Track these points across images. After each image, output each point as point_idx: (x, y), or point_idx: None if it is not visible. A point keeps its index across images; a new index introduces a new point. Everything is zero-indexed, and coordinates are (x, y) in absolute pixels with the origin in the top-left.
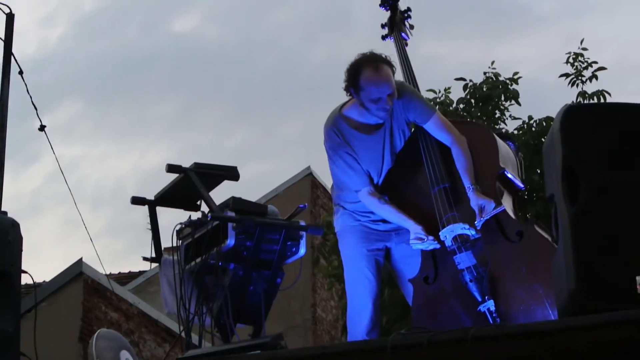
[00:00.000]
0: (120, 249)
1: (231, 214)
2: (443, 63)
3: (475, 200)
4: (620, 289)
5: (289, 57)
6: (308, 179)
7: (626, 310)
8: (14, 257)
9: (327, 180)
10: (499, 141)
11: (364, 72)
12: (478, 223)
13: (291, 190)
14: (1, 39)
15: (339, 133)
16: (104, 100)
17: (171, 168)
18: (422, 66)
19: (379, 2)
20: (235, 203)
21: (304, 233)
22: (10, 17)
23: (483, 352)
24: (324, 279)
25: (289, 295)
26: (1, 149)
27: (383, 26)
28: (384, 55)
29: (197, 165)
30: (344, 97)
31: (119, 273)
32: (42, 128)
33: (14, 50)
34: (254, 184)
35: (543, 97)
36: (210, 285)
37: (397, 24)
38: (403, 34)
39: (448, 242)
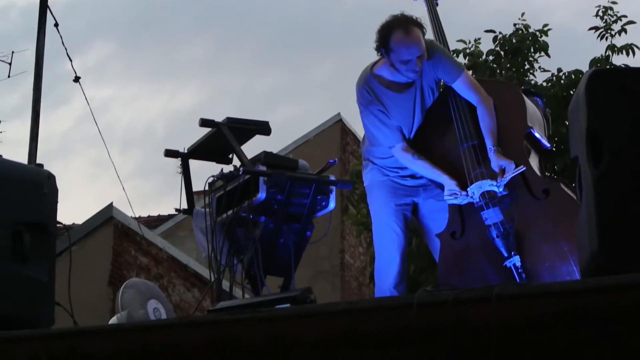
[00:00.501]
0: (150, 191)
1: (262, 168)
2: (474, 9)
3: (495, 161)
4: None
5: (320, 0)
6: (338, 125)
7: None
8: (49, 209)
9: (356, 127)
10: (527, 100)
11: (394, 33)
12: (500, 183)
13: (321, 137)
14: None
15: (371, 91)
16: (135, 42)
17: (204, 122)
18: (453, 13)
19: None
20: (266, 157)
21: (333, 187)
22: None
23: (507, 310)
24: (353, 226)
25: (326, 235)
26: (37, 99)
27: None
28: (414, 17)
29: (229, 119)
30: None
31: (149, 216)
32: (77, 79)
33: None
34: (284, 128)
35: (573, 47)
36: (242, 238)
37: None
38: None
39: (476, 198)
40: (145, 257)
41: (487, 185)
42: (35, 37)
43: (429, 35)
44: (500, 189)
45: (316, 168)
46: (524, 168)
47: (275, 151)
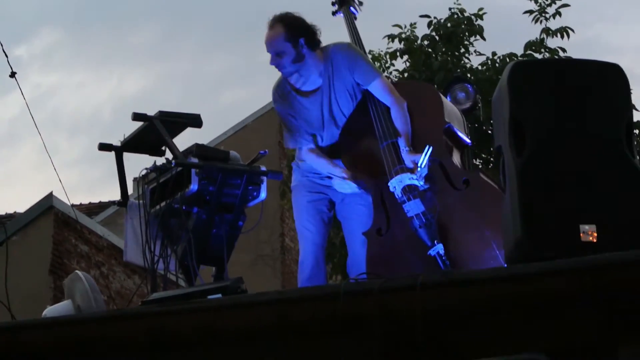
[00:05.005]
0: (97, 177)
1: (194, 160)
2: None
3: (408, 158)
4: (565, 238)
5: None
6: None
7: (568, 259)
8: None
9: None
10: (444, 99)
11: None
12: (419, 175)
13: (259, 122)
14: None
15: (282, 94)
16: (82, 28)
17: (136, 116)
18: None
19: None
20: (198, 149)
21: (264, 178)
22: None
23: (431, 297)
24: (292, 209)
25: (258, 225)
26: None
27: (333, 3)
28: (287, 13)
29: (161, 113)
30: (326, 23)
31: (90, 203)
32: (12, 75)
33: None
34: (231, 111)
35: (509, 31)
36: (175, 229)
37: (346, 0)
38: (352, 9)
39: (398, 193)
40: (85, 245)
41: (407, 178)
42: None
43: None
44: (421, 182)
45: (253, 153)
46: (431, 147)
47: (215, 136)
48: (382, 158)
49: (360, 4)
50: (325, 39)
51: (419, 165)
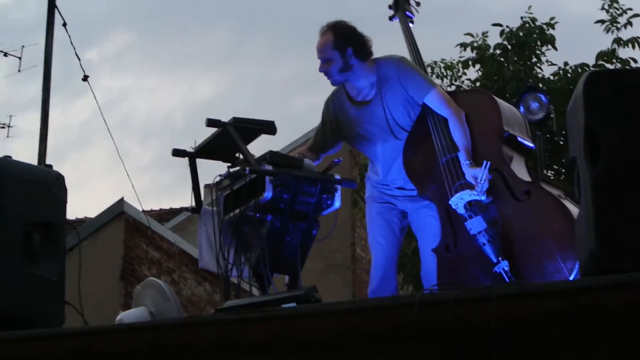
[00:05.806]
0: (167, 182)
1: (268, 167)
2: (484, 2)
3: (468, 172)
4: None
5: None
6: None
7: None
8: (59, 209)
9: None
10: (503, 104)
11: None
12: (480, 191)
13: None
14: None
15: (334, 100)
16: (154, 31)
17: (211, 122)
18: (464, 5)
19: None
20: (272, 156)
21: (339, 186)
22: None
23: (505, 308)
24: (362, 219)
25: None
26: (46, 100)
27: (390, 7)
28: (338, 21)
29: (235, 119)
30: (391, 31)
31: (160, 209)
32: (85, 78)
33: None
34: (303, 117)
35: (581, 41)
36: (249, 236)
37: (402, 4)
38: (408, 13)
39: (460, 210)
40: (156, 251)
41: (468, 195)
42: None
43: (404, 53)
44: (483, 197)
45: (325, 161)
46: (488, 163)
47: (287, 144)
48: (442, 173)
49: (418, 4)
50: (383, 45)
51: (479, 180)
